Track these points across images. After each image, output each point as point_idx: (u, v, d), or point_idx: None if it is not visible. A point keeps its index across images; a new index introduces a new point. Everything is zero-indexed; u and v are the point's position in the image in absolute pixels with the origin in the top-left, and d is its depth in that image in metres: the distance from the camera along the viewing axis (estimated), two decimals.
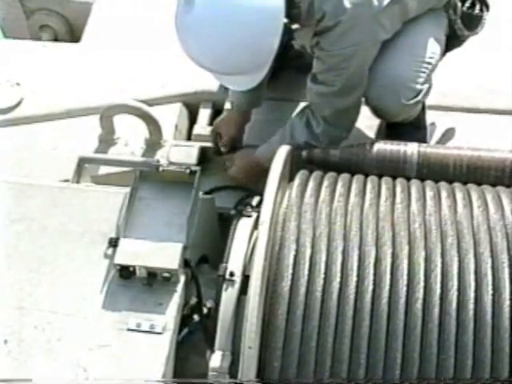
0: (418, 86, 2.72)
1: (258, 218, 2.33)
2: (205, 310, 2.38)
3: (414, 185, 2.40)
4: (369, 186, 2.38)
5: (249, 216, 2.47)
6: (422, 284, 2.13)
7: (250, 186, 2.84)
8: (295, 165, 2.50)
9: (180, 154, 2.94)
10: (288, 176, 2.44)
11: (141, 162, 2.82)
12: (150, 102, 3.10)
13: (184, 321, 2.39)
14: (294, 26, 2.49)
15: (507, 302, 2.09)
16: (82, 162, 2.86)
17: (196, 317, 2.39)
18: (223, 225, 2.62)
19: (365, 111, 2.84)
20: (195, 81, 3.16)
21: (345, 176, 2.45)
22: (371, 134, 3.05)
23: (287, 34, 2.45)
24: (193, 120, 3.25)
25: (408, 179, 2.47)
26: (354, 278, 2.15)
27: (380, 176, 2.47)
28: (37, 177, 2.86)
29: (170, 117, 3.18)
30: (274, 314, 2.14)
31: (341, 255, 2.18)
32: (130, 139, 3.08)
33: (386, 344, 2.09)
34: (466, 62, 3.17)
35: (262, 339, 2.14)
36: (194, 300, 2.40)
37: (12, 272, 2.43)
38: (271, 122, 3.03)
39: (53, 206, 2.57)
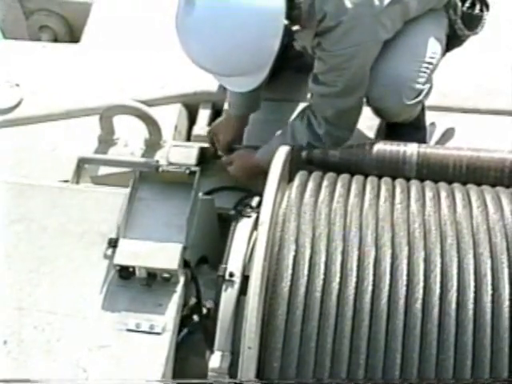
0: (420, 86, 2.72)
1: (257, 218, 2.33)
2: (204, 311, 2.38)
3: (414, 185, 2.40)
4: (368, 187, 2.38)
5: (248, 216, 2.48)
6: (421, 284, 2.13)
7: (250, 186, 2.85)
8: (295, 165, 2.50)
9: (179, 154, 2.94)
10: (287, 176, 2.44)
11: (140, 162, 2.82)
12: (150, 103, 3.10)
13: (183, 321, 2.39)
14: (295, 28, 2.49)
15: (506, 303, 2.09)
16: (82, 163, 2.86)
17: (195, 317, 2.40)
18: (223, 225, 2.62)
19: (365, 112, 2.84)
20: (195, 81, 3.16)
21: (344, 176, 2.45)
22: (371, 134, 3.05)
23: (288, 35, 2.45)
24: (192, 121, 3.25)
25: (407, 180, 2.47)
26: (353, 279, 2.15)
27: (379, 176, 2.47)
28: (36, 177, 2.86)
29: (170, 117, 3.18)
30: (274, 314, 2.14)
31: (340, 256, 2.18)
32: (130, 140, 3.08)
33: (386, 344, 2.09)
34: (465, 63, 3.17)
35: (261, 339, 2.14)
36: (193, 300, 2.40)
37: (12, 272, 2.43)
38: (271, 123, 3.03)
39: (52, 207, 2.57)
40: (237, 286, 2.28)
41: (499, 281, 2.11)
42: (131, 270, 2.37)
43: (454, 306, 2.10)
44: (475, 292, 2.11)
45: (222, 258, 2.34)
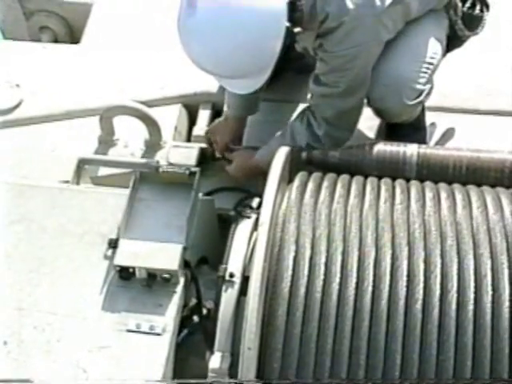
0: (420, 87, 2.72)
1: (257, 219, 2.33)
2: (204, 311, 2.38)
3: (414, 186, 2.40)
4: (368, 187, 2.38)
5: (248, 217, 2.47)
6: (421, 285, 2.13)
7: (249, 187, 2.85)
8: (295, 166, 2.50)
9: (180, 155, 2.95)
10: (287, 177, 2.44)
11: (140, 163, 2.82)
12: (150, 104, 3.11)
13: (184, 322, 2.38)
14: (297, 30, 2.49)
15: (506, 303, 2.09)
16: (82, 163, 2.86)
17: (196, 318, 2.39)
18: (223, 226, 2.62)
19: (365, 112, 2.84)
20: (195, 82, 3.16)
21: (344, 177, 2.45)
22: (371, 135, 3.05)
23: (290, 37, 2.45)
24: (192, 121, 3.25)
25: (407, 180, 2.47)
26: (353, 279, 2.14)
27: (380, 177, 2.47)
28: (37, 178, 2.86)
29: (170, 118, 3.18)
30: (274, 315, 2.14)
31: (340, 256, 2.18)
32: (130, 140, 3.08)
33: (386, 345, 2.09)
34: (466, 63, 3.18)
35: (261, 340, 2.13)
36: (193, 301, 2.40)
37: (12, 273, 2.43)
38: (271, 123, 3.04)
39: (52, 207, 2.57)
40: (237, 286, 2.28)
41: (499, 281, 2.11)
42: (131, 270, 2.37)
43: (454, 306, 2.10)
44: (475, 293, 2.11)
45: (222, 259, 2.34)
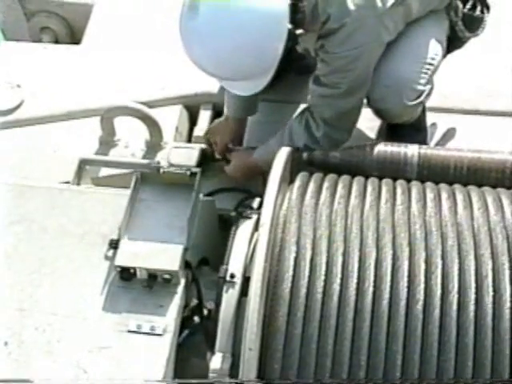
0: (421, 87, 2.72)
1: (258, 219, 2.33)
2: (205, 312, 2.37)
3: (415, 186, 2.40)
4: (369, 188, 2.38)
5: (249, 218, 2.47)
6: (422, 286, 2.13)
7: (248, 187, 2.85)
8: (295, 167, 2.50)
9: (180, 155, 2.94)
10: (288, 178, 2.44)
11: (141, 163, 2.82)
12: (151, 104, 3.11)
13: (184, 323, 2.38)
14: (299, 31, 2.49)
15: (507, 304, 2.09)
16: (83, 164, 2.86)
17: (196, 318, 2.39)
18: (224, 227, 2.61)
19: (366, 113, 2.84)
20: (195, 83, 3.16)
21: (345, 178, 2.45)
22: (372, 135, 3.05)
23: (291, 39, 2.45)
24: (193, 122, 3.25)
25: (408, 181, 2.47)
26: (354, 280, 2.14)
27: (380, 178, 2.47)
28: (37, 178, 2.86)
29: (171, 119, 3.18)
30: (275, 315, 2.14)
31: (341, 257, 2.18)
32: (131, 141, 3.08)
33: (387, 346, 2.09)
34: (466, 64, 3.18)
35: (262, 341, 2.13)
36: (194, 302, 2.40)
37: (12, 273, 2.43)
38: (271, 124, 3.04)
39: (53, 208, 2.57)
40: (238, 287, 2.28)
41: (500, 282, 2.11)
42: (132, 271, 2.37)
43: (454, 307, 2.10)
44: (476, 293, 2.11)
45: (222, 260, 2.34)
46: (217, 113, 3.20)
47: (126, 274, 2.37)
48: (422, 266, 2.15)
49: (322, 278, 2.15)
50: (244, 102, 2.91)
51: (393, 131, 2.98)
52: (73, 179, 2.81)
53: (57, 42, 3.78)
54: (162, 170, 2.57)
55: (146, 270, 2.36)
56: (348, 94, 2.65)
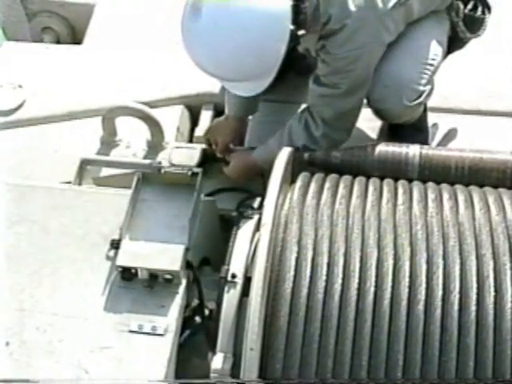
0: (421, 88, 2.72)
1: (259, 219, 2.33)
2: (206, 312, 2.38)
3: (416, 187, 2.40)
4: (370, 188, 2.38)
5: (250, 218, 2.47)
6: (423, 286, 2.13)
7: (248, 187, 2.85)
8: (297, 167, 2.50)
9: (182, 155, 2.94)
10: (290, 178, 2.44)
11: (143, 163, 2.82)
12: (152, 104, 3.11)
13: (186, 323, 2.38)
14: (301, 32, 2.49)
15: (509, 304, 2.09)
16: (84, 164, 2.86)
17: (198, 319, 2.39)
18: (225, 227, 2.62)
19: (366, 113, 2.84)
20: (197, 83, 3.16)
21: (346, 178, 2.45)
22: (373, 135, 3.05)
23: (293, 40, 2.45)
24: (194, 122, 3.25)
25: (410, 181, 2.47)
26: (355, 280, 2.14)
27: (382, 178, 2.47)
28: (38, 178, 2.86)
29: (172, 119, 3.18)
30: (276, 315, 2.14)
31: (342, 257, 2.18)
32: (132, 141, 3.07)
33: (388, 346, 2.09)
34: (467, 65, 3.18)
35: (263, 341, 2.13)
36: (195, 302, 2.40)
37: (13, 273, 2.43)
38: (271, 124, 3.03)
39: (54, 208, 2.57)
40: (239, 287, 2.28)
41: (502, 282, 2.11)
42: (133, 271, 2.37)
43: (456, 307, 2.10)
44: (478, 294, 2.11)
45: (224, 260, 2.34)
46: (218, 113, 3.20)
47: (128, 274, 2.37)
48: (424, 266, 2.15)
49: (324, 278, 2.15)
50: (244, 102, 2.91)
51: (394, 131, 2.98)
52: (74, 179, 2.81)
53: (58, 42, 3.79)
54: (163, 170, 2.57)
55: (148, 270, 2.36)
56: (348, 94, 2.65)
